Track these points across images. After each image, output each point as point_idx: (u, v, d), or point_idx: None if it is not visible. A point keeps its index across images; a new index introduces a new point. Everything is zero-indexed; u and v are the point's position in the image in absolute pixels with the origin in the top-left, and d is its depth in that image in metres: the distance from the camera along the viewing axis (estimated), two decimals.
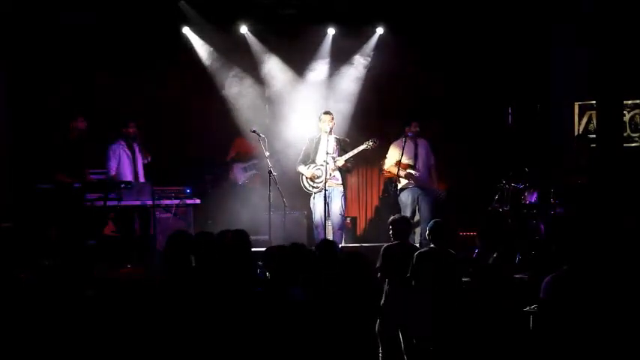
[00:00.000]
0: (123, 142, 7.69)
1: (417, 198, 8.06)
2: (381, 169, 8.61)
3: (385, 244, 5.69)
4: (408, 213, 8.01)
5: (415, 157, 8.08)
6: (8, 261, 5.65)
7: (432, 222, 5.60)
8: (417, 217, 8.16)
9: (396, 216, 5.95)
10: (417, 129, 8.06)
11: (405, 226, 5.77)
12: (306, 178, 7.90)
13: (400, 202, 8.07)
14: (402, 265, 5.37)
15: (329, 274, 4.59)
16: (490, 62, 9.05)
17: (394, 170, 8.01)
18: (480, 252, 6.68)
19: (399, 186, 8.11)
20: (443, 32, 8.97)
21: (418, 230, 8.17)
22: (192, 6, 8.87)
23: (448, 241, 5.48)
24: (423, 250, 5.53)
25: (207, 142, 9.44)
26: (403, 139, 7.93)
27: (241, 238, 5.05)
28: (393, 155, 8.12)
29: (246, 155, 9.38)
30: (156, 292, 4.45)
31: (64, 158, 7.40)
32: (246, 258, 4.88)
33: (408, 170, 8.01)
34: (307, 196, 8.03)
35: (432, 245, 5.47)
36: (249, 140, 8.98)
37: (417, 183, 8.04)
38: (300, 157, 8.00)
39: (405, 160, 8.00)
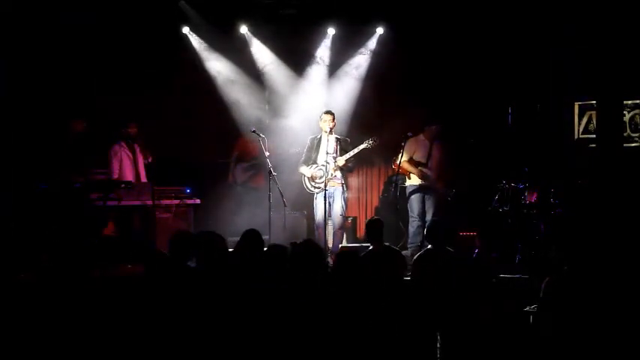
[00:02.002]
0: (123, 143, 7.69)
1: (424, 198, 8.07)
2: (392, 164, 8.52)
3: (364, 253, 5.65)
4: (415, 213, 8.02)
5: (429, 157, 8.10)
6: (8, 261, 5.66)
7: (429, 221, 5.61)
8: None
9: (372, 218, 5.95)
10: (437, 132, 8.11)
11: (380, 227, 5.76)
12: (308, 178, 7.91)
13: (408, 202, 8.07)
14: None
15: (325, 274, 4.59)
16: (490, 62, 9.05)
17: (407, 167, 8.01)
18: (479, 252, 6.69)
19: (407, 183, 8.12)
20: (443, 32, 8.97)
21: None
22: (192, 6, 8.87)
23: (446, 240, 5.47)
24: (420, 252, 5.53)
25: (208, 142, 9.43)
26: (421, 136, 7.99)
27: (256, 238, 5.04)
28: (408, 152, 8.09)
29: (248, 155, 9.37)
30: (156, 292, 4.44)
31: (66, 156, 7.43)
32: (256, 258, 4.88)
33: (420, 168, 8.01)
34: (308, 196, 8.05)
35: (430, 246, 5.47)
36: (251, 140, 8.99)
37: (428, 183, 8.05)
38: (302, 157, 8.01)
39: (417, 159, 8.01)
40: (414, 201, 8.05)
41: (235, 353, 4.07)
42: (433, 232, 5.47)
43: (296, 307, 4.13)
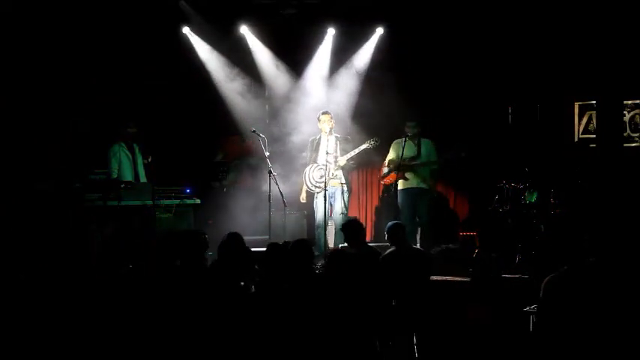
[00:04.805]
0: (123, 143, 7.68)
1: (415, 200, 8.05)
2: (381, 174, 8.49)
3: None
4: (406, 215, 8.00)
5: (416, 157, 8.06)
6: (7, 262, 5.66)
7: (390, 223, 5.64)
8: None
9: (391, 223, 5.95)
10: (416, 129, 8.06)
11: (401, 230, 5.75)
12: (309, 178, 7.91)
13: (399, 205, 8.06)
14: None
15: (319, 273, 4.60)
16: (490, 62, 9.04)
17: (393, 173, 7.98)
18: (479, 252, 6.69)
19: (399, 188, 8.09)
20: (443, 32, 8.96)
21: (419, 231, 8.18)
22: (192, 6, 8.87)
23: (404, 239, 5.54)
24: (384, 254, 5.54)
25: (207, 142, 9.43)
26: (403, 138, 7.89)
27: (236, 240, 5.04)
28: (393, 154, 8.11)
29: (232, 155, 9.28)
30: (155, 291, 4.45)
31: (67, 157, 7.44)
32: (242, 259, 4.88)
33: (411, 168, 7.99)
34: (308, 195, 8.05)
35: (394, 247, 5.49)
36: (235, 141, 9.00)
37: (416, 184, 8.02)
38: (305, 160, 8.05)
39: (406, 159, 7.98)
40: (404, 205, 8.02)
41: (225, 352, 4.08)
42: (392, 233, 5.51)
43: (286, 306, 4.14)
